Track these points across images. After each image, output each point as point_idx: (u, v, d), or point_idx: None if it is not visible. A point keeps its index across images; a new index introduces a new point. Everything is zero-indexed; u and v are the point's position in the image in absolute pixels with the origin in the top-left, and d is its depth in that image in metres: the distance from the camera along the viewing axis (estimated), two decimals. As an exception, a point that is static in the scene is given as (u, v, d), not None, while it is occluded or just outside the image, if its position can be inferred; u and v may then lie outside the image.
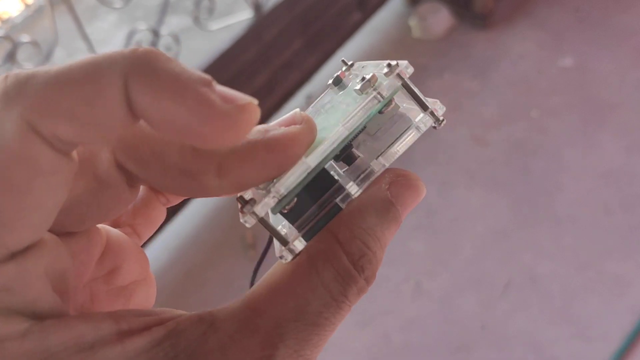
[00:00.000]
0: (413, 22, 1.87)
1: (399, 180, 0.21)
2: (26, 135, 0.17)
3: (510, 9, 1.86)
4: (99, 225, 0.24)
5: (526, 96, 1.65)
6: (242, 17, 1.45)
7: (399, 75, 0.21)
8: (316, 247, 0.20)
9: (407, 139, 0.22)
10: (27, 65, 1.18)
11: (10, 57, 1.13)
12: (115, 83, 0.17)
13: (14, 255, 0.18)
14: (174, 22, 1.71)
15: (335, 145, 0.21)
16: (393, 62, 0.21)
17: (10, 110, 0.17)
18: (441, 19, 1.84)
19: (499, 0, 1.85)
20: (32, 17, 2.05)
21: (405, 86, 0.21)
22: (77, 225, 0.21)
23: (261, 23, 1.46)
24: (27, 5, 2.07)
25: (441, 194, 1.49)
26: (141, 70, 0.17)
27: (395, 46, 1.88)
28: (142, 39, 1.30)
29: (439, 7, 1.85)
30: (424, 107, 0.22)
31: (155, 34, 1.30)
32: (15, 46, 1.13)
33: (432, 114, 0.22)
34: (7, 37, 1.15)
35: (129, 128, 0.18)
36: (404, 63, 0.21)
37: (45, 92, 0.17)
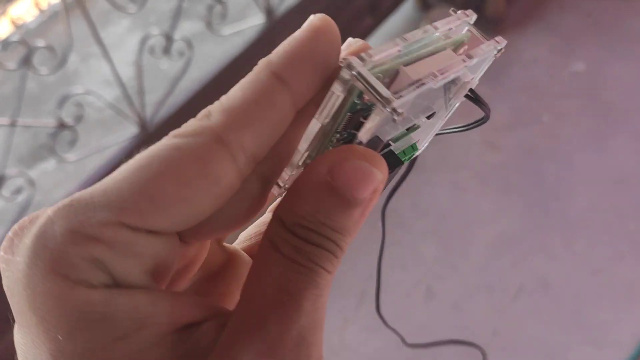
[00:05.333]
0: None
1: (341, 163, 0.20)
2: (213, 145, 0.19)
3: (522, 13, 1.85)
4: (231, 249, 0.26)
5: (538, 101, 1.65)
6: (254, 22, 1.46)
7: (349, 66, 0.20)
8: (272, 231, 0.21)
9: (368, 123, 0.21)
10: (42, 69, 1.19)
11: (26, 61, 1.14)
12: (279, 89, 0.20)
13: (137, 229, 0.19)
14: (187, 27, 1.72)
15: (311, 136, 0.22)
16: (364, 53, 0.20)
17: (203, 127, 0.20)
18: (453, 23, 1.84)
19: (510, 5, 1.84)
20: (46, 22, 2.07)
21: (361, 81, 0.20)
22: (200, 235, 0.22)
23: (273, 28, 1.47)
24: (41, 11, 2.09)
25: (452, 199, 1.48)
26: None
27: (406, 51, 1.88)
28: (156, 43, 1.31)
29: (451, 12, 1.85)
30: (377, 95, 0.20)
31: (168, 38, 1.31)
32: (31, 51, 1.14)
33: (387, 102, 0.20)
34: (22, 42, 1.16)
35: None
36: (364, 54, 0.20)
37: (227, 113, 0.20)
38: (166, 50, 1.32)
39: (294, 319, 0.19)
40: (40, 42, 1.17)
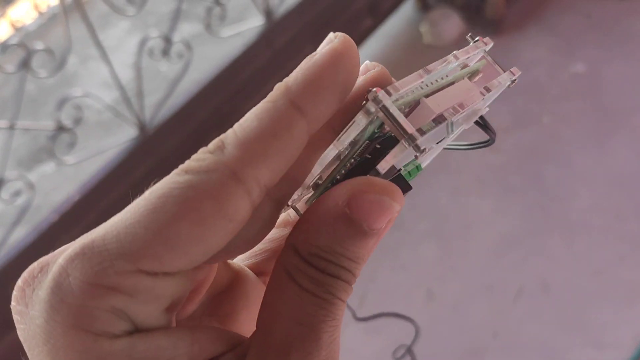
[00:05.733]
0: (424, 28, 1.87)
1: (360, 196, 0.20)
2: (228, 182, 0.19)
3: (522, 14, 1.85)
4: (237, 267, 0.26)
5: (538, 102, 1.65)
6: (253, 23, 1.46)
7: (375, 99, 0.20)
8: (287, 260, 0.21)
9: (389, 157, 0.22)
10: (41, 72, 1.19)
11: (25, 64, 1.14)
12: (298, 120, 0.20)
13: (155, 274, 0.19)
14: (186, 29, 1.72)
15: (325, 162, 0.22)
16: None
17: (218, 162, 0.19)
18: (452, 25, 1.84)
19: (510, 6, 1.84)
20: (45, 24, 2.07)
21: (385, 113, 0.20)
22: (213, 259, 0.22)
23: (272, 29, 1.47)
24: (40, 13, 2.09)
25: (452, 201, 1.48)
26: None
27: (406, 52, 1.88)
28: (155, 45, 1.31)
29: (450, 13, 1.85)
30: (401, 131, 0.20)
31: (167, 40, 1.31)
32: (30, 53, 1.14)
33: (411, 139, 0.20)
34: (21, 45, 1.16)
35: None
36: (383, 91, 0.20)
37: (243, 146, 0.19)
38: (165, 52, 1.32)
39: (314, 354, 0.20)
40: (39, 45, 1.17)
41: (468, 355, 1.25)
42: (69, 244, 0.19)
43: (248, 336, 0.24)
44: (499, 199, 1.47)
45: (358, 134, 0.21)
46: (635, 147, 1.49)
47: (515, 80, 0.25)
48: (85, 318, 0.18)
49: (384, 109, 0.20)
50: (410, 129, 0.20)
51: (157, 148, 1.32)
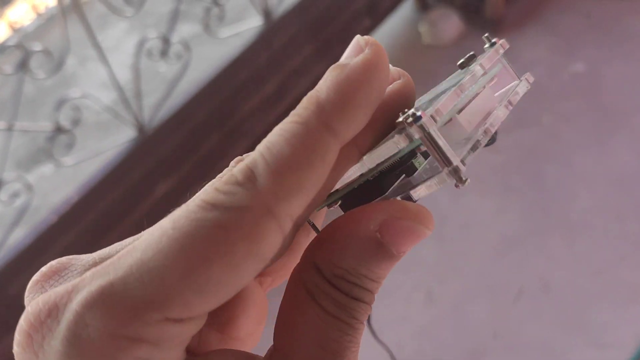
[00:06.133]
0: (423, 28, 1.87)
1: (393, 222, 0.20)
2: (263, 220, 0.17)
3: (521, 14, 1.85)
4: None
5: (538, 102, 1.64)
6: (252, 24, 1.46)
7: (421, 127, 0.19)
8: (308, 279, 0.20)
9: (426, 186, 0.21)
10: (39, 73, 1.18)
11: (23, 65, 1.14)
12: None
13: (183, 320, 0.17)
14: (185, 30, 1.72)
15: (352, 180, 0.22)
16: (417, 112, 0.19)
17: (251, 198, 0.17)
18: (451, 25, 1.84)
19: (509, 6, 1.84)
20: (43, 25, 2.07)
21: (428, 138, 0.19)
22: None
23: (271, 30, 1.46)
24: (38, 14, 2.09)
25: (453, 201, 1.48)
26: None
27: (405, 52, 1.88)
28: (153, 46, 1.31)
29: (449, 13, 1.85)
30: (445, 162, 0.19)
31: (166, 41, 1.31)
32: (28, 54, 1.14)
33: (454, 171, 0.19)
34: (19, 46, 1.16)
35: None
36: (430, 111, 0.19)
37: (277, 178, 0.17)
38: (164, 53, 1.31)
39: None
40: (37, 46, 1.16)
41: (468, 356, 1.25)
42: (77, 280, 0.18)
43: (246, 339, 0.24)
44: (499, 199, 1.47)
45: (391, 156, 0.20)
46: (635, 146, 1.49)
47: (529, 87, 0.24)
48: None
49: (429, 138, 0.19)
50: (455, 160, 0.19)
51: (155, 149, 1.31)
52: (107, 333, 0.16)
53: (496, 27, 1.82)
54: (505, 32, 1.82)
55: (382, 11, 1.82)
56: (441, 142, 0.19)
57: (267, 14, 1.45)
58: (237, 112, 1.45)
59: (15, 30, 2.00)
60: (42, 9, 2.09)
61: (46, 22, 2.07)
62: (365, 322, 0.20)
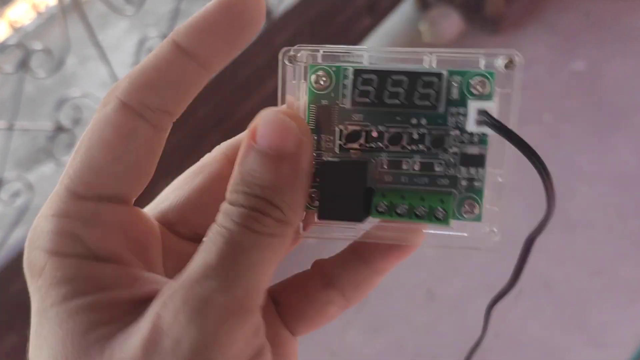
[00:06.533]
0: (423, 27, 1.87)
1: (256, 120, 0.22)
2: (121, 109, 0.22)
3: (521, 13, 1.85)
4: None
5: (538, 100, 1.64)
6: (252, 23, 1.45)
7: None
8: (218, 217, 0.22)
9: None
10: (39, 72, 1.18)
11: (23, 64, 1.14)
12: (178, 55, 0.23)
13: (98, 199, 0.22)
14: (185, 29, 1.71)
15: None
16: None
17: (110, 96, 0.22)
18: (452, 23, 1.84)
19: (509, 5, 1.84)
20: (44, 24, 2.07)
21: None
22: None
23: (272, 28, 1.46)
24: (39, 13, 2.08)
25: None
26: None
27: (405, 51, 1.87)
28: (154, 45, 1.31)
29: (450, 11, 1.85)
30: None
31: (166, 40, 1.31)
32: (28, 54, 1.14)
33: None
34: (19, 45, 1.16)
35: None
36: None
37: (132, 80, 0.22)
38: (164, 52, 1.31)
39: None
40: (37, 45, 1.16)
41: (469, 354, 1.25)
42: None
43: None
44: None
45: None
46: (636, 145, 1.49)
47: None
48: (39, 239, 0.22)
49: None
50: None
51: (156, 148, 1.31)
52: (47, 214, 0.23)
53: (496, 25, 1.82)
54: (505, 30, 1.82)
55: (383, 10, 1.82)
56: None
57: (267, 12, 1.44)
58: (237, 111, 1.45)
59: (16, 30, 2.00)
60: (42, 8, 2.08)
61: (46, 21, 2.07)
62: (269, 233, 0.21)
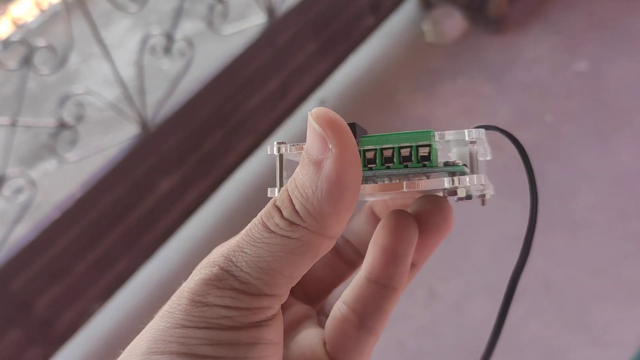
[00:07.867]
0: (426, 27, 1.87)
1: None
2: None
3: (524, 13, 1.85)
4: None
5: (540, 100, 1.64)
6: (255, 21, 1.46)
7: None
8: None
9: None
10: (43, 69, 1.19)
11: (27, 61, 1.14)
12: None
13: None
14: (188, 27, 1.72)
15: None
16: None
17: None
18: (455, 23, 1.84)
19: (512, 5, 1.84)
20: (47, 21, 2.07)
21: None
22: None
23: (274, 27, 1.46)
24: (42, 10, 2.09)
25: (453, 199, 1.48)
26: None
27: (408, 50, 1.87)
28: (156, 43, 1.31)
29: (453, 11, 1.85)
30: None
31: (169, 38, 1.31)
32: (31, 50, 1.14)
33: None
34: (23, 42, 1.16)
35: None
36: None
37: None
38: (167, 50, 1.32)
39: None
40: (40, 42, 1.17)
41: (470, 355, 1.25)
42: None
43: None
44: (501, 198, 1.47)
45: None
46: (638, 145, 1.49)
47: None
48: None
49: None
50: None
51: (158, 146, 1.31)
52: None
53: (499, 25, 1.81)
54: (508, 30, 1.82)
55: (386, 9, 1.82)
56: None
57: (270, 11, 1.45)
58: (240, 110, 1.45)
59: (19, 26, 2.00)
60: (45, 5, 2.09)
61: (50, 18, 2.08)
62: (281, 233, 0.22)
